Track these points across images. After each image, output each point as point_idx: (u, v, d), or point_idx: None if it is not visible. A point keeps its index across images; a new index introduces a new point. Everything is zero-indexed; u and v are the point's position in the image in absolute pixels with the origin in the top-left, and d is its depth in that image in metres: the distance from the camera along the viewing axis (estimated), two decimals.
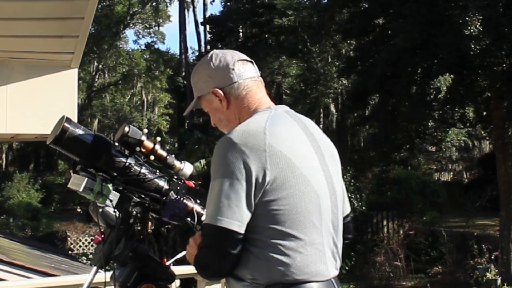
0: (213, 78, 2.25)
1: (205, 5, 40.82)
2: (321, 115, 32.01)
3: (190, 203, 2.55)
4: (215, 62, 2.25)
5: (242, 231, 1.99)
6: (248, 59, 2.31)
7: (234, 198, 1.99)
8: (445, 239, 17.62)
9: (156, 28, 43.89)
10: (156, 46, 44.04)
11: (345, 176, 17.55)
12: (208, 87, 2.25)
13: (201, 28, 40.38)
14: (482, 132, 22.55)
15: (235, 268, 2.04)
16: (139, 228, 2.52)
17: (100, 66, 39.41)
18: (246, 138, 2.03)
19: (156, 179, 2.50)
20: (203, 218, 2.50)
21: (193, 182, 2.59)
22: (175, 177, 2.56)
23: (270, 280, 2.01)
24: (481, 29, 14.21)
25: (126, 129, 2.46)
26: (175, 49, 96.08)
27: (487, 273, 15.40)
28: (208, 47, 38.83)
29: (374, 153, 17.70)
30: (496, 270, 15.52)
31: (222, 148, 2.04)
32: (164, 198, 2.49)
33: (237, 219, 1.98)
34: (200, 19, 41.04)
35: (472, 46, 14.14)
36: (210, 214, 2.02)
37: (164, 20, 43.85)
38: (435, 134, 19.43)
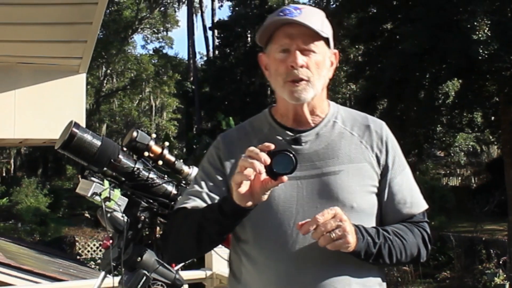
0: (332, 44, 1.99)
1: (213, 10, 40.93)
2: None
3: None
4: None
5: None
6: None
7: None
8: (454, 244, 17.57)
9: (164, 33, 44.08)
10: (164, 51, 44.27)
11: None
12: (332, 46, 1.98)
13: (209, 33, 40.48)
14: (491, 137, 22.53)
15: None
16: (147, 233, 2.51)
17: (108, 71, 39.51)
18: None
19: (164, 184, 2.50)
20: None
21: None
22: (184, 182, 2.55)
23: None
24: (489, 34, 14.21)
25: (134, 134, 2.46)
26: (183, 54, 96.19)
27: (495, 278, 15.33)
28: (216, 52, 38.91)
29: None
30: (504, 275, 15.46)
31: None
32: (172, 203, 2.48)
33: None
34: (208, 24, 41.17)
35: (480, 51, 14.13)
36: (422, 200, 2.07)
37: (172, 25, 44.00)
38: (444, 139, 19.43)
